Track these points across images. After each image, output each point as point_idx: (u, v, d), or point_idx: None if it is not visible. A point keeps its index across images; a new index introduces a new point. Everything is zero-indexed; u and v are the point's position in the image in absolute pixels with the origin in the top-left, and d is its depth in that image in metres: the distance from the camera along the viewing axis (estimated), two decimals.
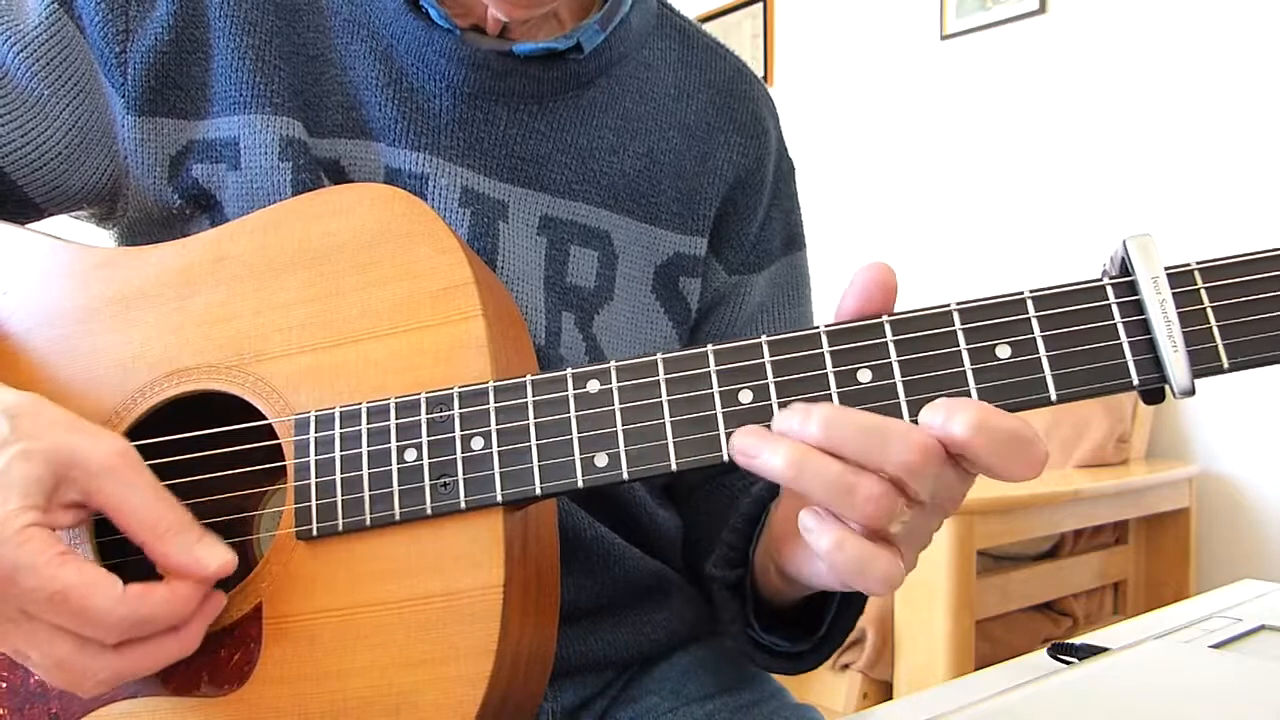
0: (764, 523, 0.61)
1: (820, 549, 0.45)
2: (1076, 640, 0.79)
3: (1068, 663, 0.76)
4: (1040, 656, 0.79)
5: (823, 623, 0.62)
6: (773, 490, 0.61)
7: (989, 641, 1.96)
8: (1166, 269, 0.45)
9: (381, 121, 0.68)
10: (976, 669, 1.25)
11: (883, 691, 1.95)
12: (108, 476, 0.47)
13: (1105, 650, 0.77)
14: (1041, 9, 2.66)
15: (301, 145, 0.65)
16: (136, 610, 0.46)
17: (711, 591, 0.63)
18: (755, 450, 0.45)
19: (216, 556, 0.49)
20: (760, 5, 3.40)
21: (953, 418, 0.43)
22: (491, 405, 0.51)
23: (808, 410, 0.45)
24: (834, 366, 0.47)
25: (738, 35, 3.44)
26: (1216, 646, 0.77)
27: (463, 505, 0.50)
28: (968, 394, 0.45)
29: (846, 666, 1.96)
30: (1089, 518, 2.14)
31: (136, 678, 0.48)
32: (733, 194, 0.77)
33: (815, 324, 0.48)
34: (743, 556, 0.63)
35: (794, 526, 0.48)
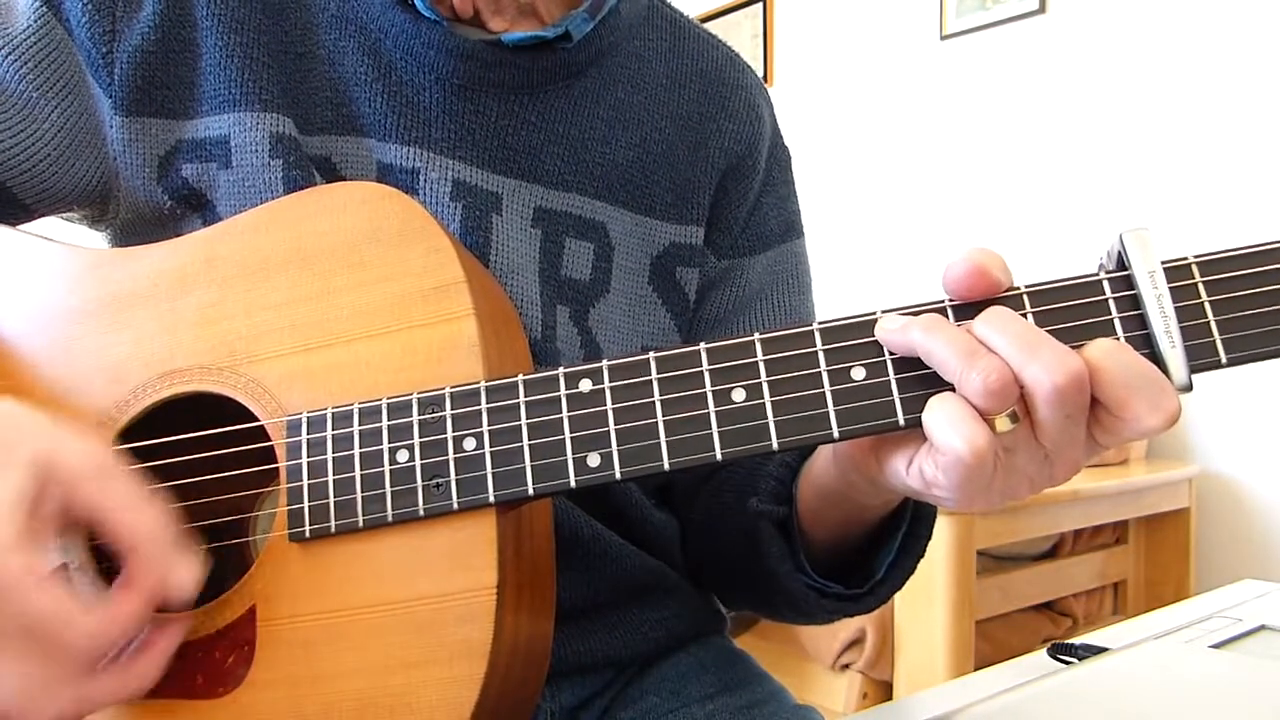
0: (807, 465, 0.62)
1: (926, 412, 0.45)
2: (1076, 640, 0.79)
3: (1068, 663, 0.76)
4: (1040, 656, 0.79)
5: (874, 571, 0.62)
6: None
7: (989, 641, 1.96)
8: (1163, 263, 0.45)
9: (371, 117, 0.67)
10: (976, 669, 1.24)
11: (883, 691, 1.94)
12: (88, 483, 0.46)
13: (1105, 650, 0.77)
14: (1041, 9, 2.66)
15: (293, 142, 0.65)
16: (108, 636, 0.46)
17: (758, 528, 0.63)
18: (896, 323, 0.46)
19: (183, 583, 0.48)
20: (760, 5, 3.40)
21: (1090, 345, 0.43)
22: (483, 406, 0.51)
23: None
24: (827, 365, 0.47)
25: (738, 35, 3.43)
26: (1216, 646, 0.77)
27: (455, 506, 0.50)
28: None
29: (846, 666, 1.96)
30: (1089, 518, 2.14)
31: (96, 710, 0.47)
32: (725, 180, 0.77)
33: (809, 321, 0.48)
34: (788, 492, 0.63)
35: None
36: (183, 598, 0.48)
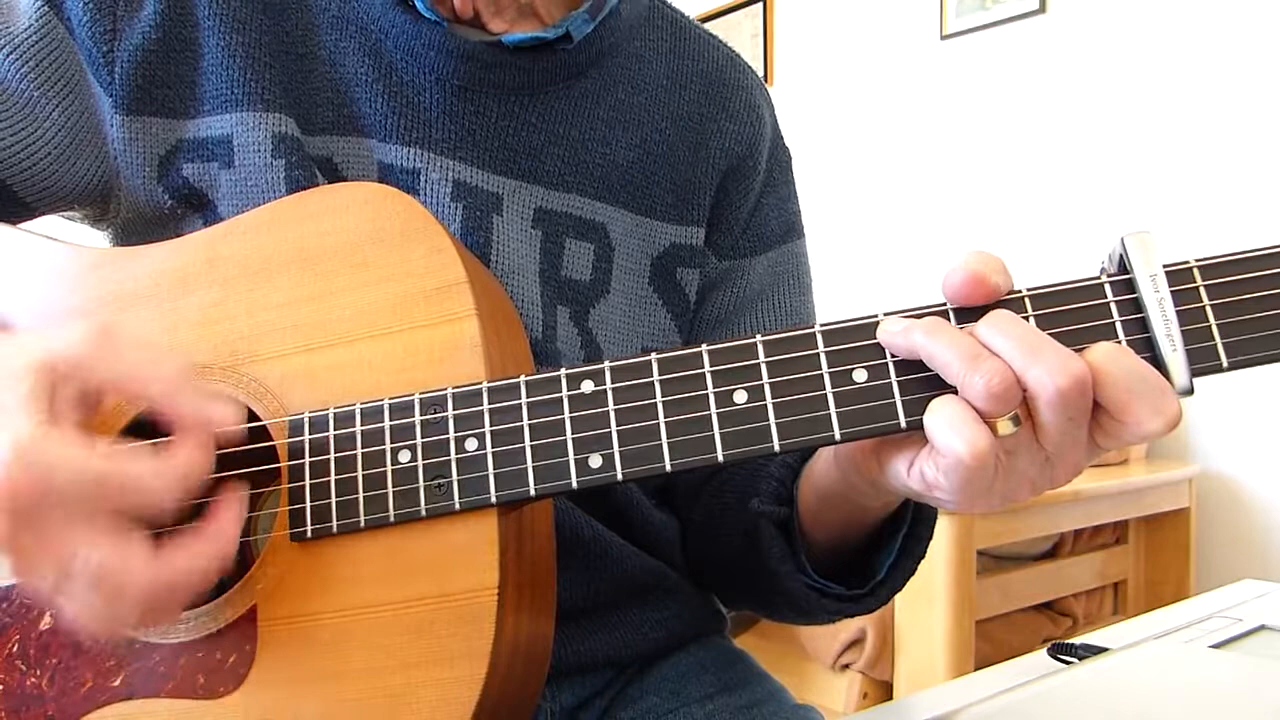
0: (808, 466, 0.62)
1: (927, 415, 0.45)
2: (1076, 640, 0.79)
3: (1068, 663, 0.76)
4: (1040, 656, 0.79)
5: (875, 571, 0.62)
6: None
7: (989, 641, 1.96)
8: (1165, 267, 0.45)
9: (372, 117, 0.67)
10: (976, 669, 1.24)
11: (883, 691, 1.94)
12: (94, 360, 0.46)
13: (1105, 650, 0.77)
14: (1041, 9, 2.66)
15: (295, 142, 0.65)
16: (178, 481, 0.45)
17: (758, 529, 0.63)
18: (898, 325, 0.46)
19: (224, 414, 0.49)
20: (760, 5, 3.39)
21: (1091, 349, 0.43)
22: (485, 406, 0.51)
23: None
24: (829, 367, 0.47)
25: (738, 35, 3.43)
26: (1216, 646, 0.77)
27: (457, 506, 0.50)
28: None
29: (846, 666, 1.96)
30: (1089, 518, 2.14)
31: (176, 598, 0.46)
32: (726, 181, 0.77)
33: (810, 322, 0.48)
34: (789, 493, 0.63)
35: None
36: (231, 426, 0.49)
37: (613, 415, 0.49)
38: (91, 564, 0.43)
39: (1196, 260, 0.45)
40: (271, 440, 0.54)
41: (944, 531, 1.73)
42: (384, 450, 0.52)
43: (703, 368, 0.48)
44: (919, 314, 0.46)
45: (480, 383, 0.51)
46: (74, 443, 0.43)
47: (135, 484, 0.44)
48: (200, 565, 0.46)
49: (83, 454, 0.43)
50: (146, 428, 0.57)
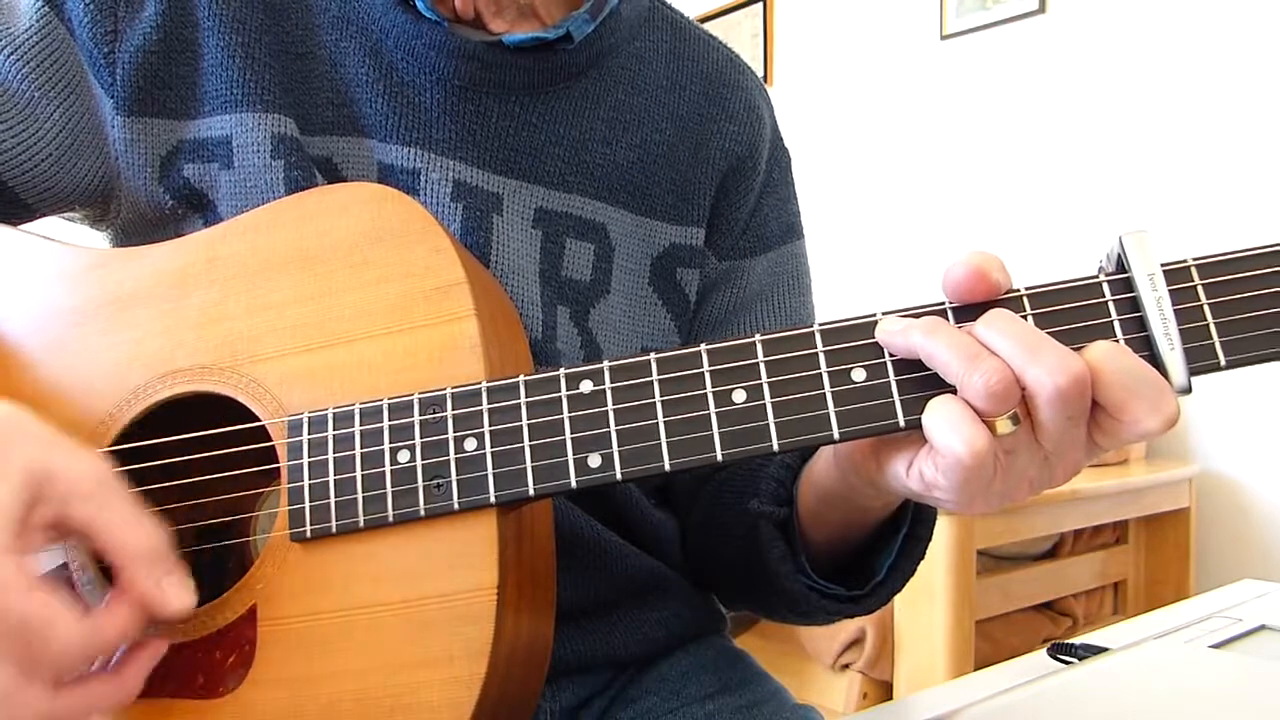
0: (808, 466, 0.62)
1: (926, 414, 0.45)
2: (1076, 640, 0.79)
3: (1068, 663, 0.76)
4: (1040, 656, 0.79)
5: (874, 572, 0.62)
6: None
7: (989, 641, 1.96)
8: (1163, 266, 0.45)
9: (373, 117, 0.68)
10: (976, 669, 1.24)
11: (883, 691, 1.94)
12: (84, 498, 0.46)
13: (1105, 650, 0.77)
14: (1041, 9, 2.66)
15: (294, 143, 0.65)
16: (92, 644, 0.45)
17: (758, 529, 0.63)
18: (897, 325, 0.46)
19: (179, 597, 0.48)
20: (760, 5, 3.39)
21: (1089, 348, 0.43)
22: (484, 406, 0.51)
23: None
24: (828, 366, 0.47)
25: (738, 35, 3.43)
26: (1216, 646, 0.77)
27: (456, 506, 0.50)
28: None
29: (846, 666, 1.96)
30: (1089, 518, 2.14)
31: None
32: (726, 181, 0.77)
33: (809, 322, 0.48)
34: (789, 494, 0.63)
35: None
36: (172, 617, 0.48)
37: (612, 415, 0.49)
38: None
39: (1194, 259, 0.45)
40: (271, 440, 0.54)
41: (944, 531, 1.73)
42: (383, 450, 0.52)
43: (701, 367, 0.48)
44: (917, 313, 0.47)
45: (479, 383, 0.51)
46: (20, 573, 0.43)
47: (58, 643, 0.43)
48: (95, 710, 0.46)
49: (20, 590, 0.43)
50: (142, 432, 0.57)
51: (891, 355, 0.46)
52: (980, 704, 0.66)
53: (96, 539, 0.46)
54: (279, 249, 0.57)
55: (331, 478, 0.52)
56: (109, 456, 0.55)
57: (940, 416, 0.44)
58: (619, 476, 0.49)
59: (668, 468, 0.48)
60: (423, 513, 0.50)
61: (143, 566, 0.47)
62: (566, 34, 0.70)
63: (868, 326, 0.47)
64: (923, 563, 0.63)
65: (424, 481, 0.51)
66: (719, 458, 0.47)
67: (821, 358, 0.47)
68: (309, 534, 0.52)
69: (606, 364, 0.50)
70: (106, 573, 0.51)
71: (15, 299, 0.61)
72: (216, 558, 0.60)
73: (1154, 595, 2.34)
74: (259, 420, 0.54)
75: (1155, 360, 0.44)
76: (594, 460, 0.49)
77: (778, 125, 0.83)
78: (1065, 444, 0.45)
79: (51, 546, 0.48)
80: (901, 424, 0.46)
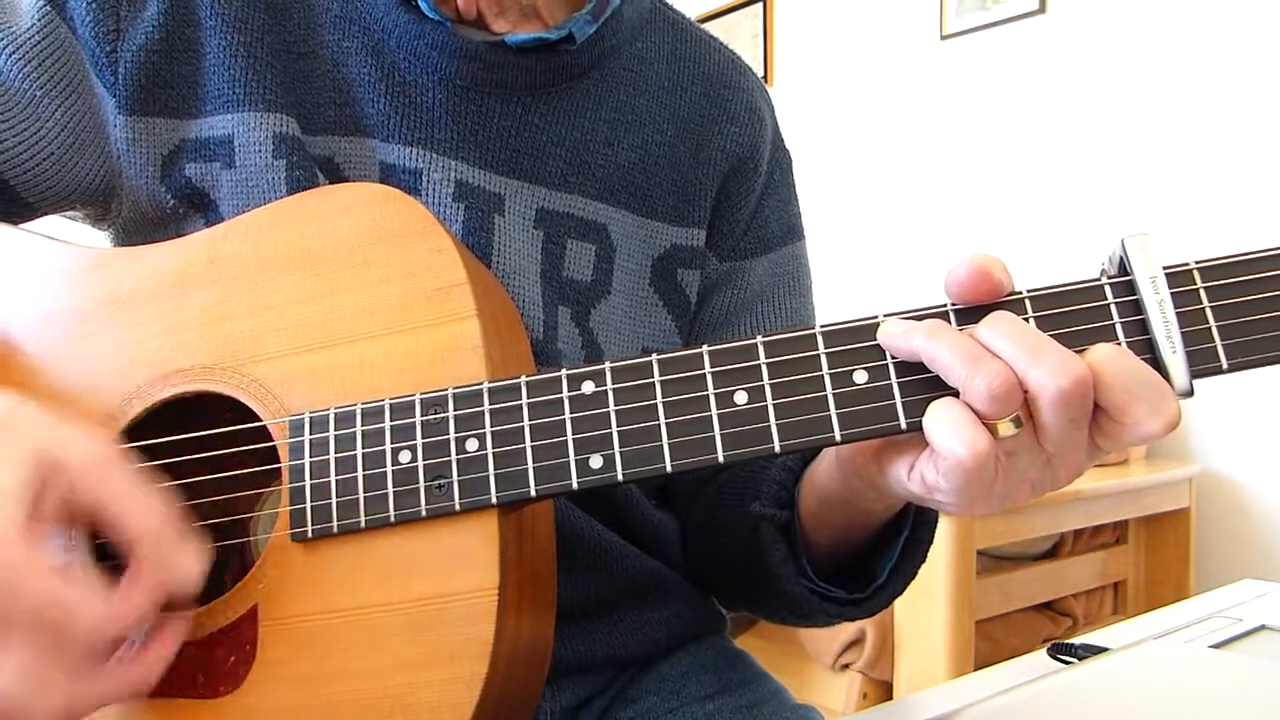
0: (809, 469, 0.62)
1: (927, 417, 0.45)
2: (1076, 640, 0.79)
3: (1068, 663, 0.76)
4: (1040, 656, 0.79)
5: (875, 575, 0.62)
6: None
7: (989, 641, 1.96)
8: (1165, 268, 0.45)
9: (375, 117, 0.68)
10: (976, 669, 1.25)
11: (883, 691, 1.94)
12: (91, 478, 0.46)
13: (1105, 650, 0.77)
14: (1041, 9, 2.66)
15: (296, 142, 0.65)
16: (113, 627, 0.45)
17: (759, 531, 0.63)
18: (899, 327, 0.46)
19: (188, 576, 0.48)
20: (760, 5, 3.39)
21: (1091, 350, 0.43)
22: (486, 407, 0.51)
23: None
24: (830, 368, 0.47)
25: (738, 35, 3.43)
26: (1216, 646, 0.77)
27: (457, 507, 0.50)
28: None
29: (846, 666, 1.96)
30: (1089, 518, 2.14)
31: (95, 708, 0.47)
32: (727, 183, 0.77)
33: (811, 324, 0.48)
34: (790, 496, 0.63)
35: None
36: (188, 591, 0.48)
37: (613, 416, 0.49)
38: (12, 675, 0.43)
39: (1196, 262, 0.45)
40: (272, 440, 0.54)
41: (944, 531, 1.73)
42: (385, 450, 0.52)
43: (703, 368, 0.48)
44: (919, 316, 0.47)
45: (481, 383, 0.51)
46: (36, 559, 0.43)
47: (83, 624, 0.44)
48: (121, 694, 0.47)
49: (39, 576, 0.43)
50: (144, 432, 0.57)
51: (893, 357, 0.47)
52: (980, 704, 0.66)
53: (105, 517, 0.47)
54: (281, 249, 0.57)
55: (333, 478, 0.52)
56: None
57: (941, 419, 0.44)
58: (621, 477, 0.49)
59: (669, 469, 0.48)
60: (424, 513, 0.50)
61: (153, 541, 0.47)
62: (569, 35, 0.70)
63: (870, 328, 0.47)
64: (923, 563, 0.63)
65: (425, 482, 0.51)
66: (721, 459, 0.47)
67: (823, 359, 0.47)
68: (310, 534, 0.52)
69: (608, 365, 0.50)
70: (104, 560, 0.51)
71: (16, 298, 0.61)
72: (217, 558, 0.60)
73: (1154, 595, 2.34)
74: (261, 420, 0.54)
75: (1157, 363, 0.44)
76: (596, 461, 0.49)
77: (779, 126, 0.83)
78: (1067, 446, 0.45)
79: (61, 529, 0.48)
80: (903, 426, 0.46)
